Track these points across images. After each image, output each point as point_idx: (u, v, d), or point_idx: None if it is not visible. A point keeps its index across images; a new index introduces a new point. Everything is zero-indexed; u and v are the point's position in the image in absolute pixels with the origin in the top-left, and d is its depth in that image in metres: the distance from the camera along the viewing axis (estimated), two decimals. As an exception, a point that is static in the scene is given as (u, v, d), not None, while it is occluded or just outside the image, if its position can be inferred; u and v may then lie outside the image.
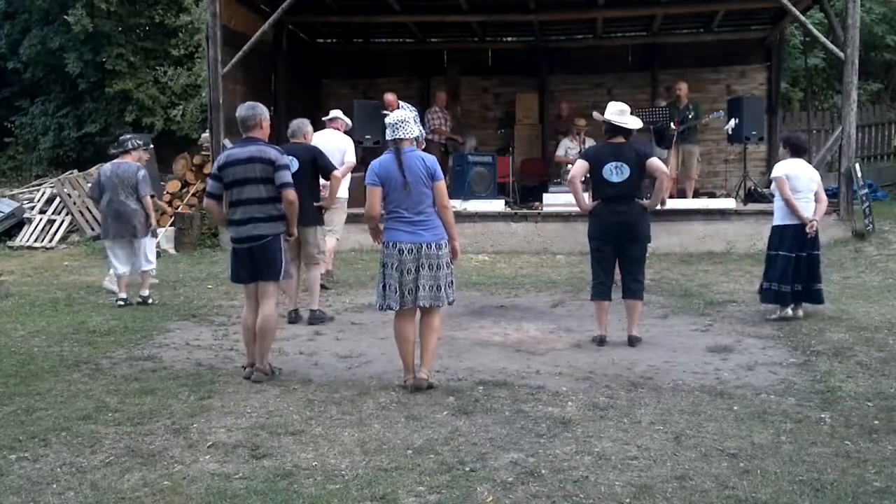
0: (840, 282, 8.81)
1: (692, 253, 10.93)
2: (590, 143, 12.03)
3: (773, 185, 7.33)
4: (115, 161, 8.43)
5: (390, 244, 5.23)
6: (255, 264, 5.59)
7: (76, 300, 8.51)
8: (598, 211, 6.38)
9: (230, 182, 5.56)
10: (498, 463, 4.01)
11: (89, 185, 7.98)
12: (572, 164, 7.32)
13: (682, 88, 12.38)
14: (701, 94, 14.79)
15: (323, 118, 9.50)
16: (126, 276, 8.32)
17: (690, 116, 12.15)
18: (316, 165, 7.32)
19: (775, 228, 7.29)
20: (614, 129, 6.33)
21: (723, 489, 3.69)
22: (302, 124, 7.60)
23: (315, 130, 8.16)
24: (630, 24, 15.57)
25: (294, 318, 7.33)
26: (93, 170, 14.13)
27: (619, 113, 6.31)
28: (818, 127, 15.66)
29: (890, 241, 10.82)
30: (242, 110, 5.70)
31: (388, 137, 5.33)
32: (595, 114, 6.67)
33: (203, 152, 13.16)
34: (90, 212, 13.36)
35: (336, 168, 7.54)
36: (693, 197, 12.36)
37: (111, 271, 8.60)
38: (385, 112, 11.71)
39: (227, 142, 10.89)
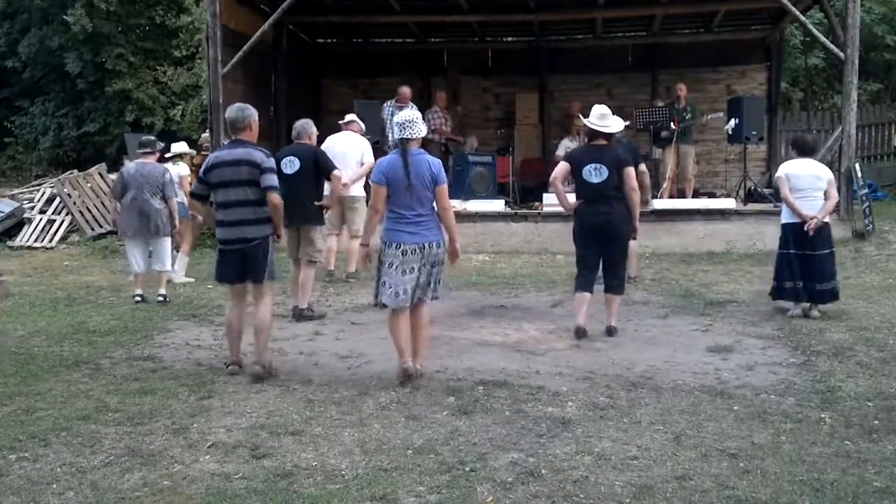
0: (840, 282, 8.78)
1: (692, 253, 10.93)
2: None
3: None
4: (138, 161, 8.61)
5: (392, 244, 5.28)
6: (245, 265, 5.64)
7: (76, 300, 8.51)
8: (582, 210, 6.57)
9: (217, 184, 5.59)
10: (498, 463, 4.01)
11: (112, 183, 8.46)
12: None
13: (683, 89, 12.37)
14: (701, 94, 14.81)
15: (339, 122, 9.85)
16: (143, 274, 8.46)
17: (688, 117, 12.15)
18: (318, 166, 7.39)
19: (781, 227, 7.42)
20: (594, 133, 6.52)
21: (723, 489, 3.68)
22: (307, 125, 7.67)
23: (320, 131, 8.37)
24: (630, 24, 15.57)
25: (298, 313, 7.50)
26: (93, 170, 14.14)
27: (600, 117, 6.50)
28: (818, 127, 15.66)
29: (890, 241, 10.82)
30: (232, 112, 5.72)
31: (396, 136, 5.39)
32: (580, 117, 6.83)
33: (203, 152, 13.15)
34: (90, 212, 13.37)
35: (336, 168, 7.63)
36: (693, 197, 12.36)
37: (175, 268, 9.15)
38: (400, 105, 11.85)
39: (226, 142, 10.89)
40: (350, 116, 9.72)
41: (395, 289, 5.26)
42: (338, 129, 9.71)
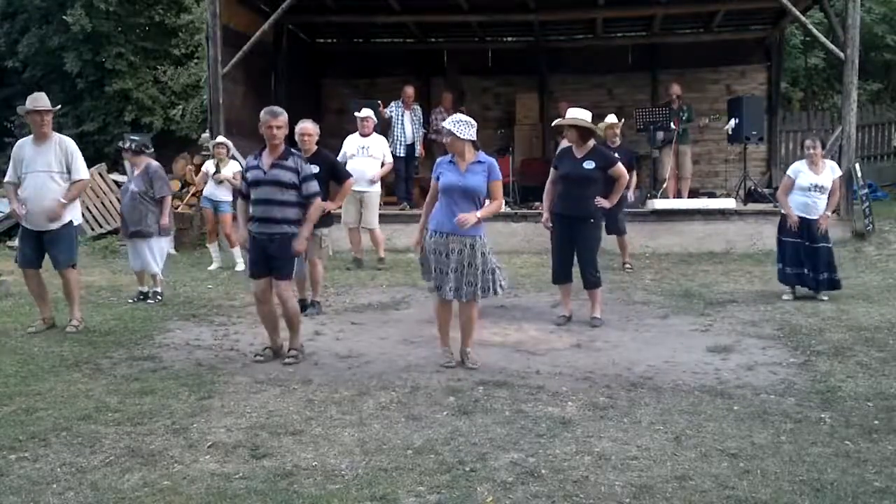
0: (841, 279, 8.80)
1: (692, 253, 10.94)
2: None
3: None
4: None
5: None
6: None
7: (76, 300, 8.50)
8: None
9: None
10: (498, 463, 4.01)
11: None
12: None
13: (677, 90, 12.32)
14: (701, 94, 14.82)
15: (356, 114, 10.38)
16: None
17: (684, 118, 12.08)
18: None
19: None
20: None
21: (723, 489, 3.68)
22: None
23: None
24: (630, 24, 15.58)
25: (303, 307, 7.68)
26: (92, 170, 14.04)
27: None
28: (818, 127, 15.66)
29: (890, 241, 10.83)
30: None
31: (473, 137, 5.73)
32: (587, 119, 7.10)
33: (203, 152, 13.14)
34: (90, 212, 13.36)
35: None
36: (693, 197, 12.35)
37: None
38: (407, 105, 12.18)
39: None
40: (367, 111, 10.20)
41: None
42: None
